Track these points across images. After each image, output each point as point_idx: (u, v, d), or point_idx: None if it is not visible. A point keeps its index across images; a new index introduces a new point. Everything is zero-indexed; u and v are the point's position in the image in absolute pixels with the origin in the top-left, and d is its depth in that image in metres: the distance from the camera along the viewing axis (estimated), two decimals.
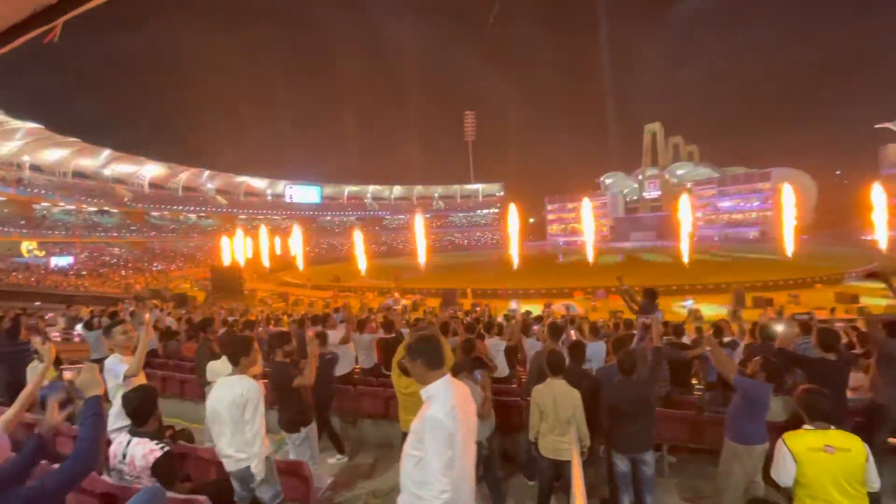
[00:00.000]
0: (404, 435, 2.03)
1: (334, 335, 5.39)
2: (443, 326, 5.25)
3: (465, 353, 3.74)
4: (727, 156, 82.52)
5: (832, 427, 2.22)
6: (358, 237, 41.72)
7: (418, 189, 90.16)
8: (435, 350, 1.83)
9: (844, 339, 5.08)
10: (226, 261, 41.57)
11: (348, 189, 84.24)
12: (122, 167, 54.54)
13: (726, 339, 5.26)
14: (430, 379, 1.81)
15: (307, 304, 23.38)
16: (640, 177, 78.93)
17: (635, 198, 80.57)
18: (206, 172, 64.53)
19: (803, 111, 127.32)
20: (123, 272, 42.00)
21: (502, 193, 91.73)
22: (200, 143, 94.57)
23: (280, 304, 25.19)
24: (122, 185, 55.25)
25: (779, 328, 5.28)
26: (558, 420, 3.11)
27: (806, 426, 2.29)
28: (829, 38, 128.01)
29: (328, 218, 79.17)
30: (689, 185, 71.87)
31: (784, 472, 2.20)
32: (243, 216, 67.59)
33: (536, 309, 15.36)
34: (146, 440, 2.22)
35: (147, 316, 7.17)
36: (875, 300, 16.73)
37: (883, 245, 34.13)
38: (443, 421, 1.67)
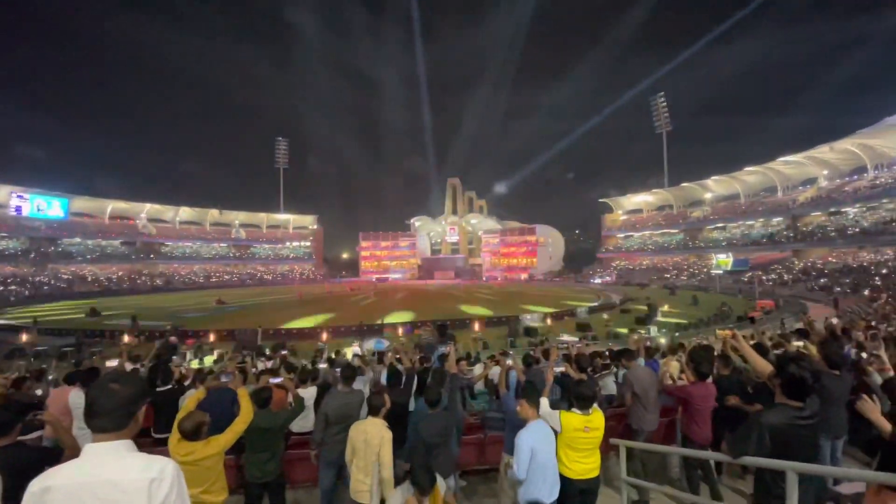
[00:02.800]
0: None
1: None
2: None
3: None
4: (506, 210, 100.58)
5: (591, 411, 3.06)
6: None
7: (213, 213, 78.73)
8: None
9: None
10: None
11: (113, 205, 67.23)
12: None
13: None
14: None
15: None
16: (443, 222, 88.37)
17: (439, 240, 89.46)
18: None
19: (555, 180, 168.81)
20: None
21: (315, 226, 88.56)
22: None
23: None
24: None
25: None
26: (367, 460, 3.07)
27: (574, 409, 3.06)
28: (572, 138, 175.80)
29: (77, 241, 60.94)
30: (479, 233, 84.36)
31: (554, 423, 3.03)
32: None
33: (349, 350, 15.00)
34: None
35: None
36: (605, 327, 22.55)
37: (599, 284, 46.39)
38: None
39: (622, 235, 73.91)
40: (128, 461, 1.31)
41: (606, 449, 4.02)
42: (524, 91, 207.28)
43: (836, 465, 3.54)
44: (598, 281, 60.79)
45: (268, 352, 15.79)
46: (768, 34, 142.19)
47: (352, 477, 3.13)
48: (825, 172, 48.75)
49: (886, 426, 2.10)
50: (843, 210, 43.48)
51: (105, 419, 1.33)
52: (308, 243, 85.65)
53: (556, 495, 2.97)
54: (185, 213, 75.51)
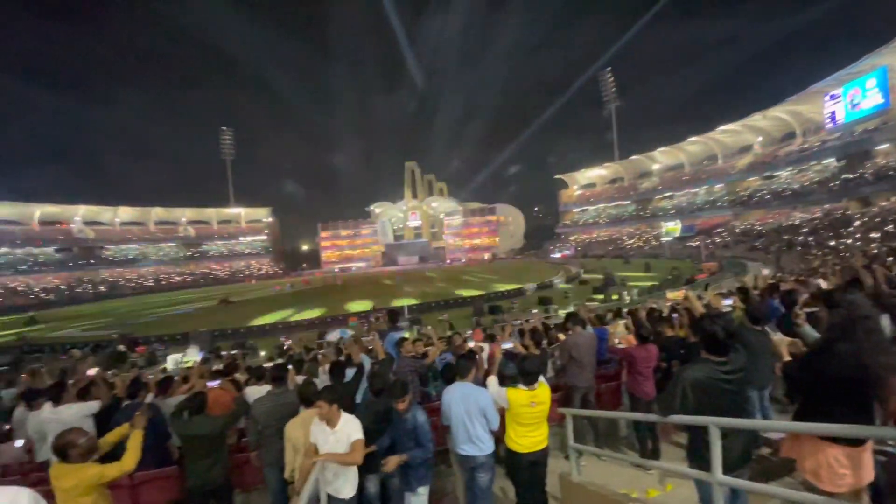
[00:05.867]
0: None
1: None
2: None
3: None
4: (466, 192, 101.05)
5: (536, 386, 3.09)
6: None
7: (157, 212, 73.97)
8: None
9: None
10: None
11: (42, 210, 61.63)
12: None
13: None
14: None
15: None
16: (403, 207, 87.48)
17: (401, 226, 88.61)
18: None
19: (513, 161, 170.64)
20: None
21: (270, 219, 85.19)
22: None
23: None
24: None
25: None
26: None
27: (520, 385, 3.08)
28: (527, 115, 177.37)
29: (3, 251, 55.56)
30: (441, 216, 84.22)
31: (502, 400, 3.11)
32: None
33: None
34: None
35: None
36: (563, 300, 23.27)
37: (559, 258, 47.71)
38: None
39: (578, 210, 76.10)
40: None
41: (560, 418, 4.13)
42: (479, 69, 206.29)
43: (764, 415, 3.80)
44: (557, 255, 62.55)
45: (225, 353, 15.22)
46: (704, 10, 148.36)
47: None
48: (759, 139, 51.92)
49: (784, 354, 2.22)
50: (776, 174, 46.63)
51: None
52: (263, 237, 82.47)
53: (482, 451, 3.12)
54: (126, 213, 70.43)
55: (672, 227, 49.56)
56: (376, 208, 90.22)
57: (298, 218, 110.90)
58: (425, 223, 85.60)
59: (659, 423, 2.57)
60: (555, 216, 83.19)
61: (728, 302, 6.48)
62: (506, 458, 3.25)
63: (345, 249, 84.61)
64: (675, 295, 16.26)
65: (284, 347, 15.52)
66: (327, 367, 4.93)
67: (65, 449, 2.42)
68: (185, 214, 77.02)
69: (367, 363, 4.40)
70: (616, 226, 66.05)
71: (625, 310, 11.17)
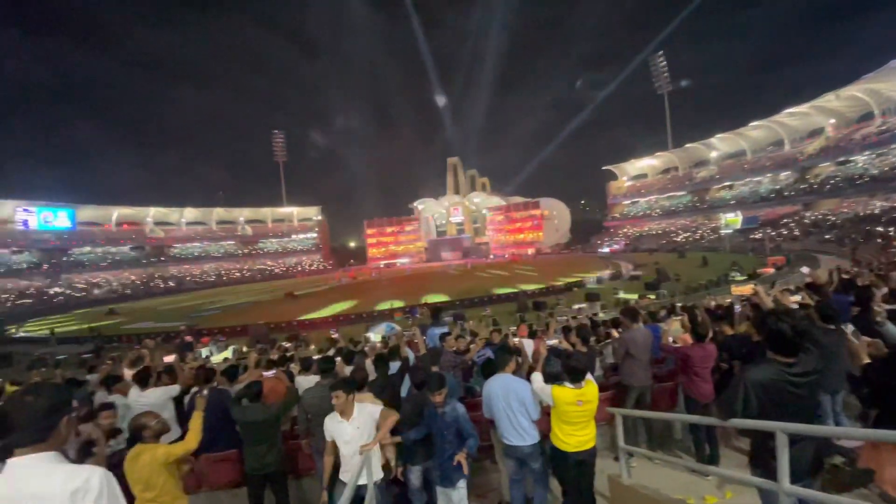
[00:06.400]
0: None
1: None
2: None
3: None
4: (509, 186, 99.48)
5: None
6: None
7: (218, 212, 79.11)
8: None
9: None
10: None
11: (119, 212, 67.77)
12: None
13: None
14: None
15: None
16: (446, 203, 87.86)
17: (444, 222, 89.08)
18: None
19: (558, 153, 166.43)
20: None
21: (320, 217, 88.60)
22: None
23: None
24: None
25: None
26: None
27: (566, 383, 3.02)
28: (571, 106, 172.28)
29: (87, 250, 61.76)
30: (484, 211, 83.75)
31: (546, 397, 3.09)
32: None
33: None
34: None
35: None
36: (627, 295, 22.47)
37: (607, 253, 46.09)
38: None
39: (628, 202, 72.92)
40: (51, 473, 1.26)
41: (611, 418, 3.99)
42: (520, 62, 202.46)
43: (837, 421, 3.46)
44: (606, 250, 60.31)
45: (286, 344, 16.06)
46: None
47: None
48: (832, 121, 47.19)
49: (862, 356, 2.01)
50: (851, 159, 42.24)
51: (22, 433, 1.28)
52: (314, 234, 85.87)
53: (527, 440, 3.14)
54: (191, 213, 75.96)
55: (732, 219, 46.34)
56: (419, 205, 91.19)
57: (347, 216, 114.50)
58: (468, 219, 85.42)
59: (718, 426, 2.42)
60: (602, 209, 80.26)
61: (796, 298, 5.97)
62: (552, 456, 3.19)
63: (389, 246, 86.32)
64: (740, 290, 15.26)
65: (333, 339, 16.14)
66: (372, 359, 5.08)
67: (139, 430, 2.65)
68: (242, 214, 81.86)
69: (412, 357, 4.48)
70: (669, 218, 62.68)
71: (678, 305, 10.60)
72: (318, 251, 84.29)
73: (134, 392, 4.15)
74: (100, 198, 67.06)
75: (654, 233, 61.73)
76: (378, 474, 3.01)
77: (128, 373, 4.98)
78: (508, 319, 18.52)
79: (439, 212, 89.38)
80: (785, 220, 43.47)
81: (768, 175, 52.20)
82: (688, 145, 64.32)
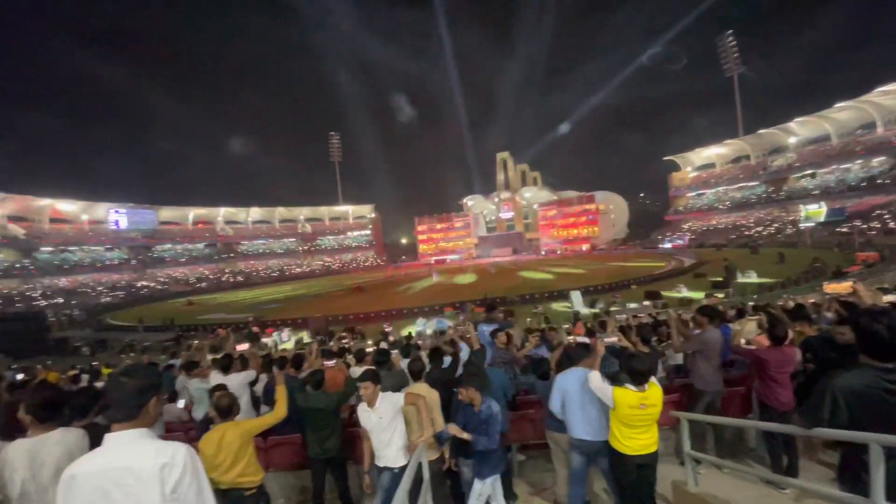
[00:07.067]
0: None
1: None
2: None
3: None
4: (561, 180, 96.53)
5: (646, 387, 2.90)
6: None
7: (280, 211, 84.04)
8: None
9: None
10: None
11: (195, 212, 74.03)
12: None
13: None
14: None
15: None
16: (496, 199, 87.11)
17: (493, 218, 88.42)
18: None
19: (614, 144, 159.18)
20: None
21: (373, 215, 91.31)
22: None
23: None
24: None
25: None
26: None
27: (628, 385, 2.90)
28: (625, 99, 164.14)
29: (167, 247, 68.09)
30: (535, 206, 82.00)
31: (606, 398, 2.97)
32: (48, 248, 53.95)
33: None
34: None
35: None
36: (675, 294, 21.26)
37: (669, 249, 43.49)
38: None
39: (693, 194, 68.29)
40: (142, 448, 1.39)
41: (675, 422, 3.81)
42: (573, 51, 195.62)
43: None
44: (668, 245, 56.90)
45: (343, 334, 16.86)
46: None
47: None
48: None
49: None
50: None
51: (117, 410, 1.43)
52: (368, 232, 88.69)
53: (600, 437, 3.13)
54: (256, 213, 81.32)
55: (814, 211, 41.99)
56: (469, 201, 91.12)
57: (399, 213, 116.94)
58: (518, 214, 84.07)
59: (800, 436, 2.22)
60: (664, 202, 75.77)
61: (891, 298, 5.33)
62: (611, 459, 3.10)
63: (439, 242, 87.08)
64: (834, 287, 13.91)
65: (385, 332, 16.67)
66: (426, 353, 5.19)
67: (230, 407, 2.90)
68: (302, 213, 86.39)
69: (465, 352, 4.52)
70: (740, 211, 57.93)
71: (750, 304, 9.84)
72: (371, 248, 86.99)
73: (217, 376, 4.53)
74: (177, 198, 73.60)
75: (722, 227, 57.36)
76: (399, 461, 3.11)
77: (209, 358, 5.45)
78: (562, 317, 18.09)
79: (489, 208, 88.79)
80: (878, 212, 38.65)
81: (858, 161, 46.66)
82: (761, 131, 58.96)
